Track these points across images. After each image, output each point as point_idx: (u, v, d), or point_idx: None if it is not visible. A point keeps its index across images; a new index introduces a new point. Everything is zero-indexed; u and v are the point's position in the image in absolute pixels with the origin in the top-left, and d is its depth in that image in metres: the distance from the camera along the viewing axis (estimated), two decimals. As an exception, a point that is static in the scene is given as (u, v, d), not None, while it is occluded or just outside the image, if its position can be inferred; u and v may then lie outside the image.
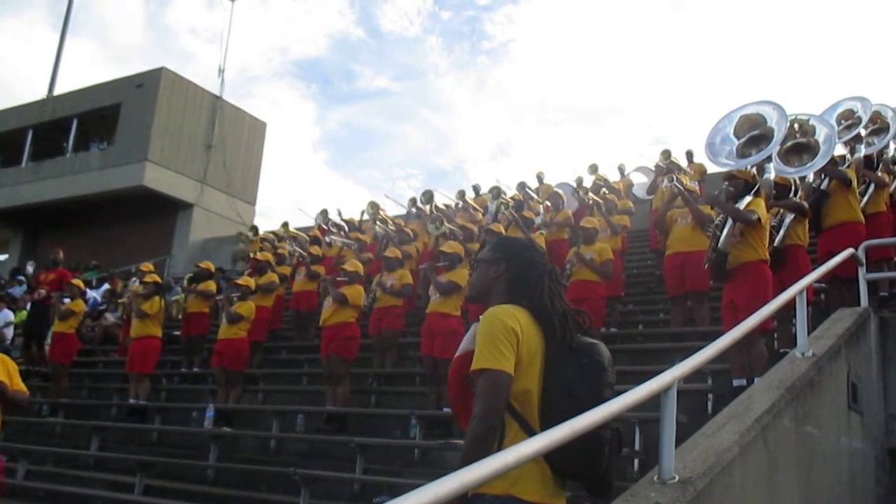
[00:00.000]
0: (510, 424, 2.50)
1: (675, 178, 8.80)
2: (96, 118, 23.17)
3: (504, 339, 2.48)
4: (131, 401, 10.36)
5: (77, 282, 12.40)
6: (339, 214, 15.41)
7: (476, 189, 16.30)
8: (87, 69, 56.66)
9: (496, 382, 2.44)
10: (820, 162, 7.37)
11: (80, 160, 22.82)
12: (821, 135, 7.50)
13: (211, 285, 11.78)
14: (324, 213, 15.87)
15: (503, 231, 10.31)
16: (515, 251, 2.82)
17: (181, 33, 59.76)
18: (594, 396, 2.48)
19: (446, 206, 14.48)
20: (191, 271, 13.73)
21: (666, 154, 13.45)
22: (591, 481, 2.58)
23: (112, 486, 8.04)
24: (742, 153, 6.93)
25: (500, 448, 2.42)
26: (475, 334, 2.58)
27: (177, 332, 12.21)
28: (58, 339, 11.50)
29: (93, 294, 15.62)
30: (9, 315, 13.84)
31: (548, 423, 2.43)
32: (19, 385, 4.70)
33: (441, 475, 1.72)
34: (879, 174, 8.62)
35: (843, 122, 8.49)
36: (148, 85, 21.99)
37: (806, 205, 7.49)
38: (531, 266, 2.73)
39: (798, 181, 7.71)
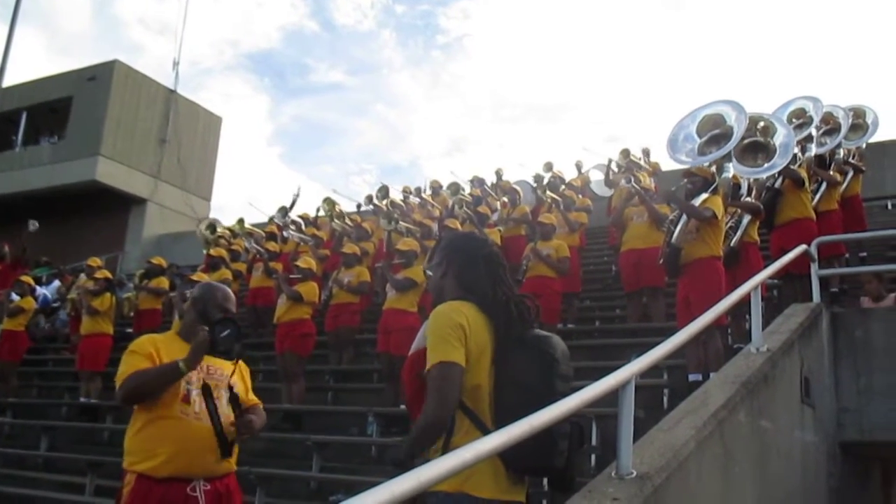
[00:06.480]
0: (461, 421, 2.47)
1: (632, 179, 8.91)
2: (46, 111, 22.65)
3: (452, 332, 2.47)
4: (82, 399, 10.17)
5: (27, 279, 12.10)
6: (292, 208, 15.06)
7: (435, 189, 15.84)
8: (32, 59, 55.33)
9: (447, 373, 2.43)
10: (779, 163, 7.46)
11: (29, 154, 22.36)
12: (779, 137, 7.60)
13: (163, 282, 11.60)
14: (282, 210, 15.63)
15: (459, 227, 10.32)
16: (452, 245, 2.84)
17: (130, 24, 58.39)
18: (546, 389, 2.47)
19: (404, 201, 14.37)
20: (143, 267, 13.49)
21: (625, 153, 13.50)
22: (550, 476, 2.57)
23: (62, 487, 7.86)
24: (702, 151, 7.02)
25: (448, 444, 2.41)
26: (426, 332, 2.57)
27: (129, 330, 11.99)
28: (7, 338, 11.18)
29: (43, 291, 15.28)
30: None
31: (500, 417, 2.44)
32: (254, 400, 3.58)
33: (398, 473, 1.69)
34: (832, 173, 8.78)
35: (794, 120, 8.62)
36: (100, 78, 21.59)
37: (761, 206, 7.60)
38: (468, 255, 2.72)
39: (751, 180, 7.83)
